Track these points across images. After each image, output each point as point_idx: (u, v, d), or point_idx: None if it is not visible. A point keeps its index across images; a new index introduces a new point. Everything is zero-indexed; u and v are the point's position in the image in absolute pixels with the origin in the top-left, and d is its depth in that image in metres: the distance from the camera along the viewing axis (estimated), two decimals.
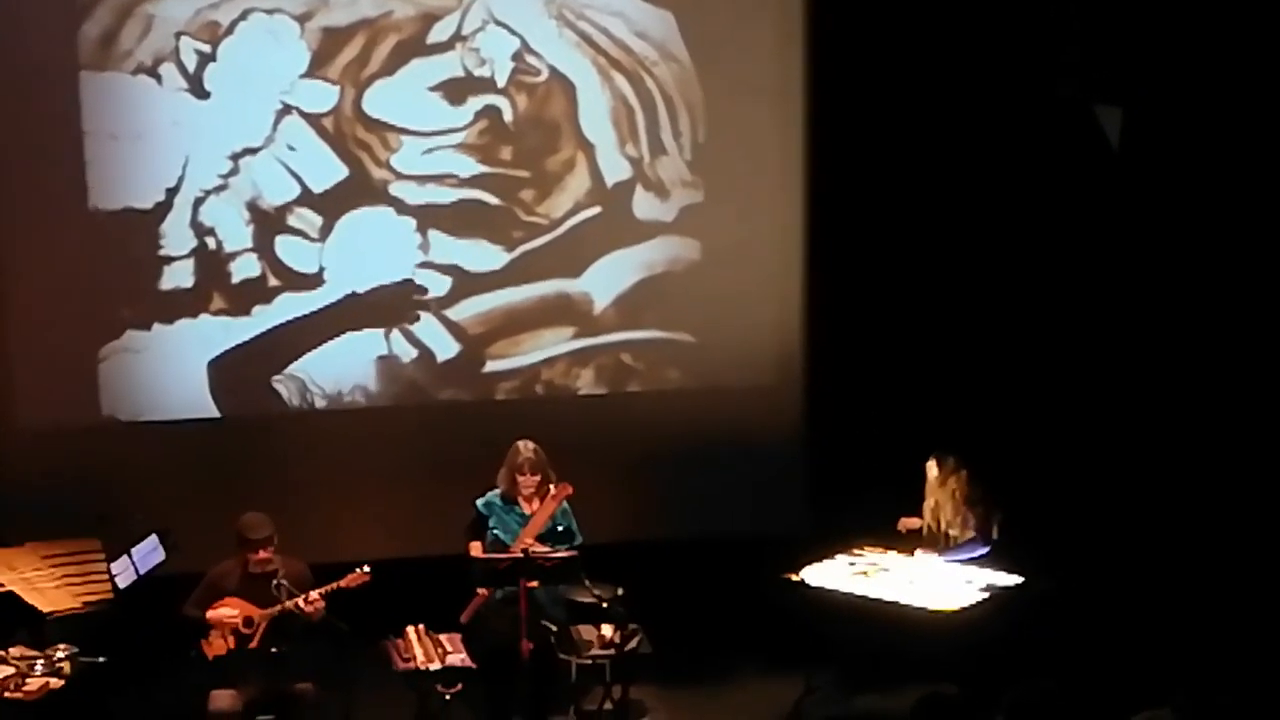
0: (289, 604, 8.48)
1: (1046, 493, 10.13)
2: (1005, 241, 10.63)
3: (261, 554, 8.56)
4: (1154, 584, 9.79)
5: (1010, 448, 10.20)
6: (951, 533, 9.26)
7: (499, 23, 10.51)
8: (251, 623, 8.56)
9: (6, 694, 8.16)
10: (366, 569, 8.57)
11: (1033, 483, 10.04)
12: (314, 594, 8.51)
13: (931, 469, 9.35)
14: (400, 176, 10.54)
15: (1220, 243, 9.98)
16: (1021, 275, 10.65)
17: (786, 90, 10.81)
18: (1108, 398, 10.43)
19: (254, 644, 8.54)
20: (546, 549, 8.85)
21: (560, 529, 9.03)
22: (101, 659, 8.45)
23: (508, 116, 10.59)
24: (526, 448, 9.10)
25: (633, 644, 8.94)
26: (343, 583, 8.55)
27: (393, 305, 10.61)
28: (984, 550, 9.19)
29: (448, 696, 8.63)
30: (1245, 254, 9.92)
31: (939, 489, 9.31)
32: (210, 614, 8.58)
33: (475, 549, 9.05)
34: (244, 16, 10.24)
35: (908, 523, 9.41)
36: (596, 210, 10.77)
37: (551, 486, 9.05)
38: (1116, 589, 9.80)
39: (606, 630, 8.93)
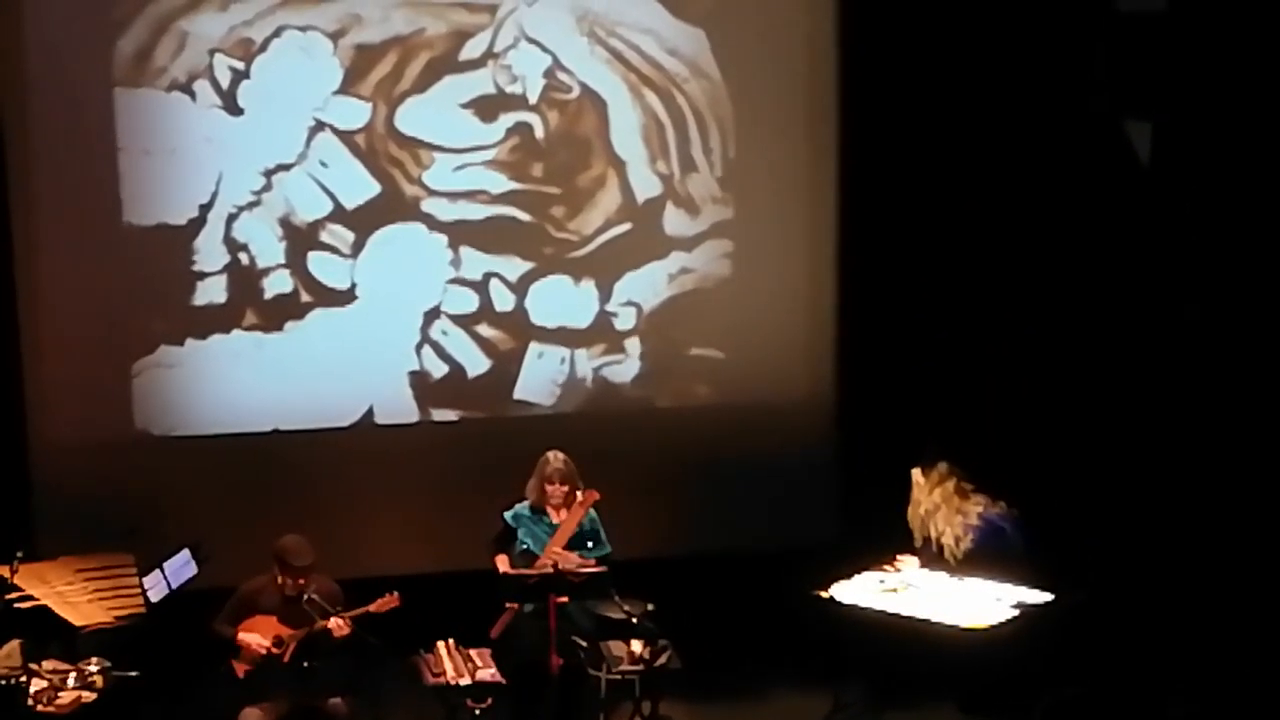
0: (320, 625, 8.48)
1: (1078, 505, 10.11)
2: (1037, 255, 10.62)
3: (301, 580, 8.58)
4: (1183, 595, 9.75)
5: (1041, 461, 10.19)
6: (944, 541, 9.06)
7: (531, 40, 10.54)
8: (281, 642, 8.57)
9: (39, 708, 8.21)
10: (396, 594, 8.57)
11: (1064, 496, 10.02)
12: (344, 618, 8.51)
13: (917, 477, 9.17)
14: (432, 193, 10.57)
15: (1251, 254, 9.95)
16: (1053, 290, 10.63)
17: (817, 106, 10.82)
18: (1140, 410, 10.40)
19: (284, 660, 8.55)
20: (576, 557, 8.87)
21: (589, 536, 9.05)
22: (133, 673, 8.48)
23: (539, 133, 10.62)
24: (556, 458, 9.14)
25: (662, 659, 8.94)
26: (372, 608, 8.54)
27: (424, 321, 10.65)
28: (1007, 526, 9.02)
29: (477, 711, 8.62)
30: (1275, 266, 9.90)
31: (927, 497, 9.12)
32: (240, 637, 8.60)
33: (501, 562, 9.06)
34: (277, 34, 10.29)
35: (903, 560, 9.27)
36: (627, 226, 10.79)
37: (579, 494, 9.09)
38: (1146, 601, 9.76)
39: (636, 646, 8.93)
